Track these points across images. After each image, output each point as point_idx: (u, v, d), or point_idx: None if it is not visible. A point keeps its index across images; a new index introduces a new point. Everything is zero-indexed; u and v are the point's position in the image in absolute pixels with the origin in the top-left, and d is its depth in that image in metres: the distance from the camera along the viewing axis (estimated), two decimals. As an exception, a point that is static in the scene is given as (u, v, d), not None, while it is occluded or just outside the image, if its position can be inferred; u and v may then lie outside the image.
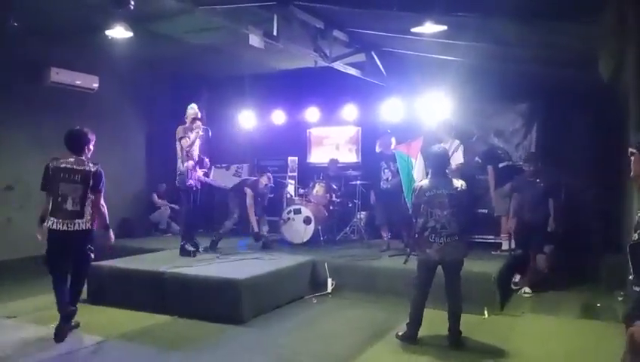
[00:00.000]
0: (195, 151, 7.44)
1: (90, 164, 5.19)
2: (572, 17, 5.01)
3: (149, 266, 6.57)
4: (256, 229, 8.23)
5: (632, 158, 2.83)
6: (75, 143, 5.20)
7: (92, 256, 5.32)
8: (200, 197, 7.70)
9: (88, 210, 5.13)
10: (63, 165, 5.09)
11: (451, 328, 5.03)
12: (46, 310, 6.01)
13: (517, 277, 7.07)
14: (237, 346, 5.09)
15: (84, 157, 5.21)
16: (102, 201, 5.29)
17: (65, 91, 8.57)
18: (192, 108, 7.49)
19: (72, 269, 5.27)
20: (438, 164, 5.15)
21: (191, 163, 7.30)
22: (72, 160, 5.13)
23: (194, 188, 7.39)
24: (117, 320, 5.76)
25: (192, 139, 7.29)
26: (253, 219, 8.24)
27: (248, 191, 8.27)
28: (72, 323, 5.27)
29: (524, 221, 7.00)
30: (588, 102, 7.76)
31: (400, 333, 5.13)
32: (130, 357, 4.82)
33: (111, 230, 5.52)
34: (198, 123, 7.40)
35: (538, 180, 6.99)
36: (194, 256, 7.24)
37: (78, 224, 5.08)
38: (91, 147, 5.32)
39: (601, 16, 5.06)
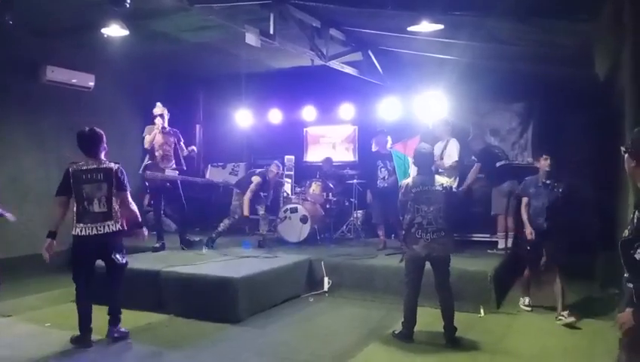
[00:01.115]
0: (157, 149, 7.66)
1: (112, 163, 5.04)
2: (568, 15, 5.02)
3: (145, 265, 6.55)
4: (246, 213, 8.10)
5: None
6: (90, 145, 5.02)
7: (126, 258, 5.21)
8: (169, 196, 7.91)
9: (116, 209, 4.98)
10: (85, 167, 4.94)
11: (446, 325, 5.05)
12: (41, 309, 6.02)
13: (526, 300, 6.27)
14: (233, 345, 5.09)
15: (103, 158, 5.06)
16: (129, 199, 5.10)
17: (61, 89, 8.54)
18: (156, 107, 7.76)
19: (109, 274, 5.11)
20: (424, 162, 5.26)
21: (149, 161, 7.63)
22: (91, 161, 4.98)
23: (152, 186, 7.72)
24: (113, 318, 5.74)
25: (149, 138, 7.59)
26: (246, 206, 8.05)
27: (255, 178, 8.19)
28: (122, 329, 5.14)
29: (538, 230, 5.94)
30: (584, 101, 7.78)
31: (396, 332, 5.14)
32: (127, 356, 4.82)
33: (145, 228, 5.39)
34: (156, 122, 7.62)
35: (556, 184, 5.93)
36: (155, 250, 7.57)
37: (108, 226, 4.92)
38: (106, 146, 5.14)
39: (597, 15, 5.07)
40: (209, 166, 10.84)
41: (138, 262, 6.71)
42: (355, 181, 9.25)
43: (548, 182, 5.94)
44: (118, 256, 5.07)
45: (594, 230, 7.56)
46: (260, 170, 8.53)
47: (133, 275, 6.31)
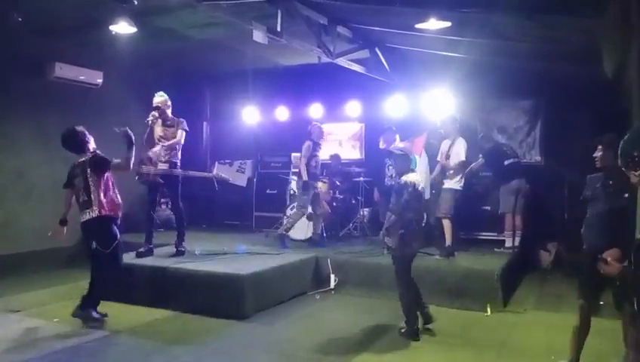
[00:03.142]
0: (153, 143, 6.85)
1: (89, 154, 5.43)
2: (576, 12, 4.98)
3: (152, 261, 6.58)
4: (304, 177, 7.90)
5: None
6: (71, 143, 5.45)
7: (112, 249, 5.36)
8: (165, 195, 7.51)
9: (95, 197, 5.28)
10: (76, 162, 5.43)
11: (427, 312, 5.28)
12: (50, 304, 6.06)
13: None
14: (240, 341, 5.10)
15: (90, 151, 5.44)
16: (119, 170, 5.48)
17: (69, 86, 8.58)
18: (155, 96, 7.06)
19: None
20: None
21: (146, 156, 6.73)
22: (79, 157, 5.44)
23: (146, 182, 6.81)
24: (121, 314, 5.77)
25: (147, 131, 6.83)
26: (304, 171, 7.92)
27: (305, 144, 8.09)
28: (92, 314, 5.42)
29: (593, 248, 3.78)
30: (592, 99, 7.72)
31: (402, 330, 5.15)
32: (134, 352, 4.83)
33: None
34: (153, 113, 6.89)
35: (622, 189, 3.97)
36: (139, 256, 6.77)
37: (88, 213, 5.29)
38: (90, 146, 5.48)
39: (602, 11, 5.03)
40: (216, 163, 10.86)
41: (145, 259, 6.75)
42: (361, 179, 9.24)
43: (611, 182, 4.17)
44: (95, 243, 5.31)
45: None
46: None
47: (140, 271, 6.38)
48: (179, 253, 6.91)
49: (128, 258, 6.80)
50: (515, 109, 8.81)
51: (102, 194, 5.31)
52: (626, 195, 3.91)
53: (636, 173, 2.52)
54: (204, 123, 11.35)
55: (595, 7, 4.88)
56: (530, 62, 7.34)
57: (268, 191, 9.83)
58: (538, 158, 8.73)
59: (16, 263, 7.64)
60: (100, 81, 8.97)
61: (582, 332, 4.27)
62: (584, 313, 4.23)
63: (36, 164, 8.30)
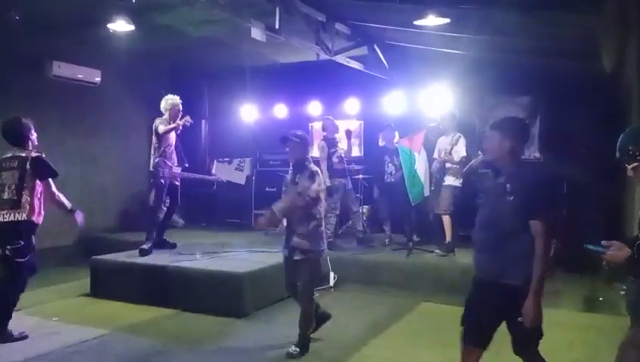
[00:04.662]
0: (168, 145, 6.93)
1: (33, 153, 4.87)
2: (574, 8, 4.98)
3: (151, 260, 6.58)
4: (327, 183, 7.31)
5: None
6: (10, 135, 4.91)
7: (24, 258, 4.77)
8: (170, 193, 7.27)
9: (24, 200, 4.74)
10: (6, 156, 4.88)
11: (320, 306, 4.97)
12: (49, 303, 6.05)
13: None
14: (239, 339, 5.10)
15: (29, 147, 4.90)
16: (53, 189, 4.91)
17: (67, 85, 8.56)
18: (176, 100, 7.04)
19: None
20: None
21: (159, 158, 6.85)
22: (13, 150, 4.89)
23: (161, 184, 6.87)
24: (120, 313, 5.78)
25: (164, 129, 6.82)
26: (324, 175, 7.14)
27: (318, 144, 7.89)
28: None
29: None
30: (591, 95, 7.72)
31: (295, 351, 4.61)
32: (134, 350, 4.83)
33: (78, 211, 5.08)
34: (178, 122, 6.90)
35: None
36: (143, 254, 6.73)
37: (13, 215, 4.73)
38: (32, 135, 4.96)
39: (601, 7, 5.03)
40: (215, 161, 10.84)
41: (145, 257, 6.74)
42: (360, 176, 9.23)
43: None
44: (8, 247, 4.68)
45: (600, 225, 7.53)
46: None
47: (139, 270, 6.38)
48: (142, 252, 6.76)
49: (128, 256, 6.83)
50: (514, 106, 8.79)
51: (35, 198, 4.78)
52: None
53: (629, 167, 2.62)
54: (203, 121, 11.31)
55: (593, 4, 4.88)
56: (528, 59, 7.34)
57: (267, 189, 9.80)
58: (537, 155, 8.73)
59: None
60: (97, 79, 8.96)
61: None
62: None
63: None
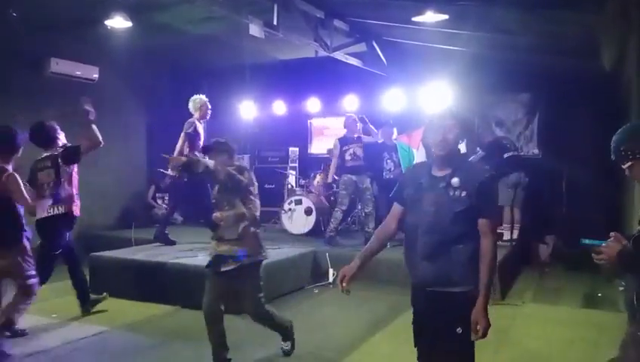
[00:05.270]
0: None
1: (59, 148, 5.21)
2: (574, 5, 4.98)
3: (150, 257, 6.57)
4: (329, 179, 8.16)
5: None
6: (39, 139, 5.25)
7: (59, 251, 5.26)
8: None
9: (65, 192, 5.10)
10: (40, 158, 5.27)
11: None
12: (48, 300, 6.03)
13: None
14: (237, 336, 5.09)
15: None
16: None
17: (65, 82, 8.53)
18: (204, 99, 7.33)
19: None
20: None
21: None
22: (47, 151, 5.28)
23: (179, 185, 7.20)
24: (119, 310, 5.77)
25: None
26: (331, 172, 8.09)
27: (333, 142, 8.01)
28: None
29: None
30: (590, 92, 7.73)
31: (287, 348, 4.70)
32: (133, 347, 4.83)
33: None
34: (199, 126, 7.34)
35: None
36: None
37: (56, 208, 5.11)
38: (59, 136, 5.30)
39: (601, 6, 5.03)
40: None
41: (144, 254, 6.75)
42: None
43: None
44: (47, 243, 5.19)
45: (599, 221, 7.53)
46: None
47: (139, 266, 6.38)
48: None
49: (127, 253, 6.83)
50: (514, 102, 8.82)
51: (74, 189, 5.14)
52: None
53: (624, 167, 2.62)
54: (202, 118, 11.30)
55: (594, 2, 4.88)
56: (528, 56, 7.33)
57: (266, 186, 9.81)
58: (536, 151, 8.74)
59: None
60: (96, 76, 8.93)
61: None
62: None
63: (33, 158, 8.26)
